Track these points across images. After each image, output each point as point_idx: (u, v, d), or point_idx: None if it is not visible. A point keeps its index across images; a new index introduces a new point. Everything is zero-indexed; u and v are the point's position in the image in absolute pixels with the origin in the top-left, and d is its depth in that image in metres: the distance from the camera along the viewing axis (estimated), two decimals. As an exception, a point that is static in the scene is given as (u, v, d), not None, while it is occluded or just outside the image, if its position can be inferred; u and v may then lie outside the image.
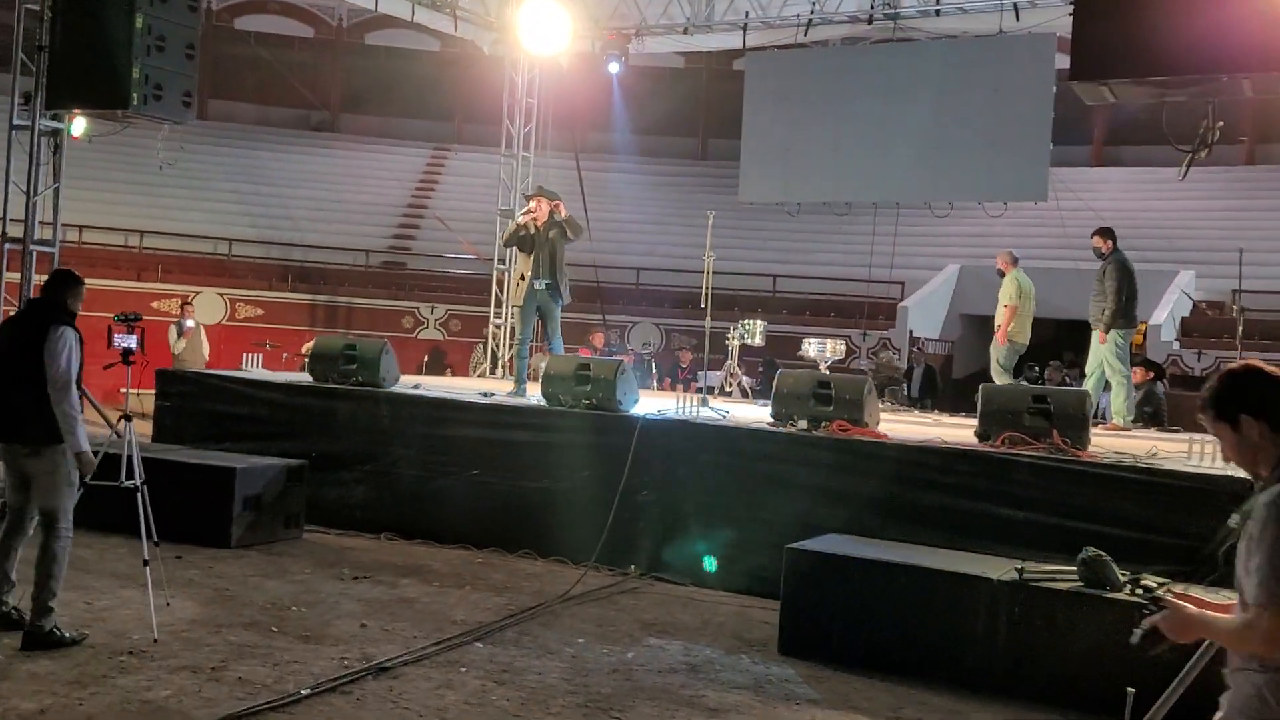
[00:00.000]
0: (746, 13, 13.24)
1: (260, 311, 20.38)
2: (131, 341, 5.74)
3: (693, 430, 7.78)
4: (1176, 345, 19.03)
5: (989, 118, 11.89)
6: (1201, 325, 19.59)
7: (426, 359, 17.82)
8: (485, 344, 14.47)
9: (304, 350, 14.55)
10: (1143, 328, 23.92)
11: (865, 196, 12.90)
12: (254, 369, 10.56)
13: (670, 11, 13.60)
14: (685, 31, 13.58)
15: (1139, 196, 26.10)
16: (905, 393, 16.00)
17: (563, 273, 9.66)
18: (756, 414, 8.61)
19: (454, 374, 16.36)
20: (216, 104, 29.33)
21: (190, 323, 15.12)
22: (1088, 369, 10.35)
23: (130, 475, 5.82)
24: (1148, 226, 23.71)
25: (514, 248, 10.29)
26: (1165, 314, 19.03)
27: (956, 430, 8.23)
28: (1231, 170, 26.85)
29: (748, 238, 24.17)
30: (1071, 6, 11.84)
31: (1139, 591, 5.47)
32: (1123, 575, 5.59)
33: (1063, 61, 12.35)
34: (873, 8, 12.59)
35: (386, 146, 28.58)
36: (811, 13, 12.87)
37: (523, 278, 9.67)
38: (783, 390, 7.73)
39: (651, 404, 8.64)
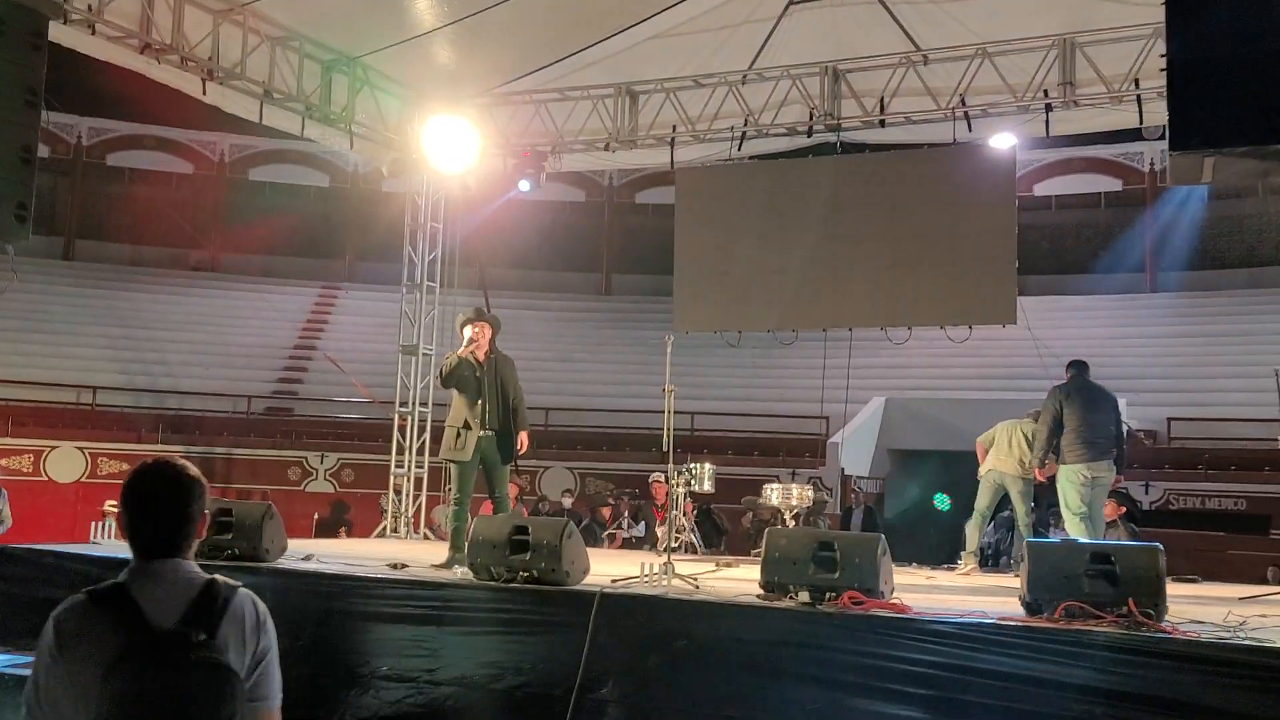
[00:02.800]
0: (674, 126, 12.10)
1: (125, 466, 18.20)
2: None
3: (663, 608, 6.18)
4: (1121, 480, 18.04)
5: (948, 234, 10.83)
6: (1141, 455, 18.72)
7: (317, 517, 15.87)
8: (388, 498, 12.66)
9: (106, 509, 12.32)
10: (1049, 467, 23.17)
11: (816, 323, 11.66)
12: (105, 540, 8.66)
13: (590, 126, 12.40)
14: (607, 147, 12.37)
15: (1052, 324, 25.71)
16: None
17: (520, 416, 8.12)
18: (736, 582, 7.07)
19: (349, 534, 14.46)
20: (85, 244, 27.48)
21: None
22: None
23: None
24: (1066, 356, 23.15)
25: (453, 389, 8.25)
26: (1106, 444, 18.08)
27: (977, 598, 6.81)
28: (1135, 298, 26.86)
29: (659, 373, 22.91)
30: (1027, 114, 11.11)
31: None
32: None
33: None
34: (812, 118, 11.56)
35: (272, 286, 26.91)
36: (745, 124, 11.80)
37: (467, 426, 8.05)
38: (774, 554, 6.20)
39: (605, 569, 7.05)
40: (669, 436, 7.40)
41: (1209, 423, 19.54)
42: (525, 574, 6.55)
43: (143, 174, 28.09)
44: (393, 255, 14.65)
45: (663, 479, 11.60)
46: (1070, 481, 8.94)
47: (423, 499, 12.87)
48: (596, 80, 12.36)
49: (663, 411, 17.83)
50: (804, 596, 5.99)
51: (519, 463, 18.49)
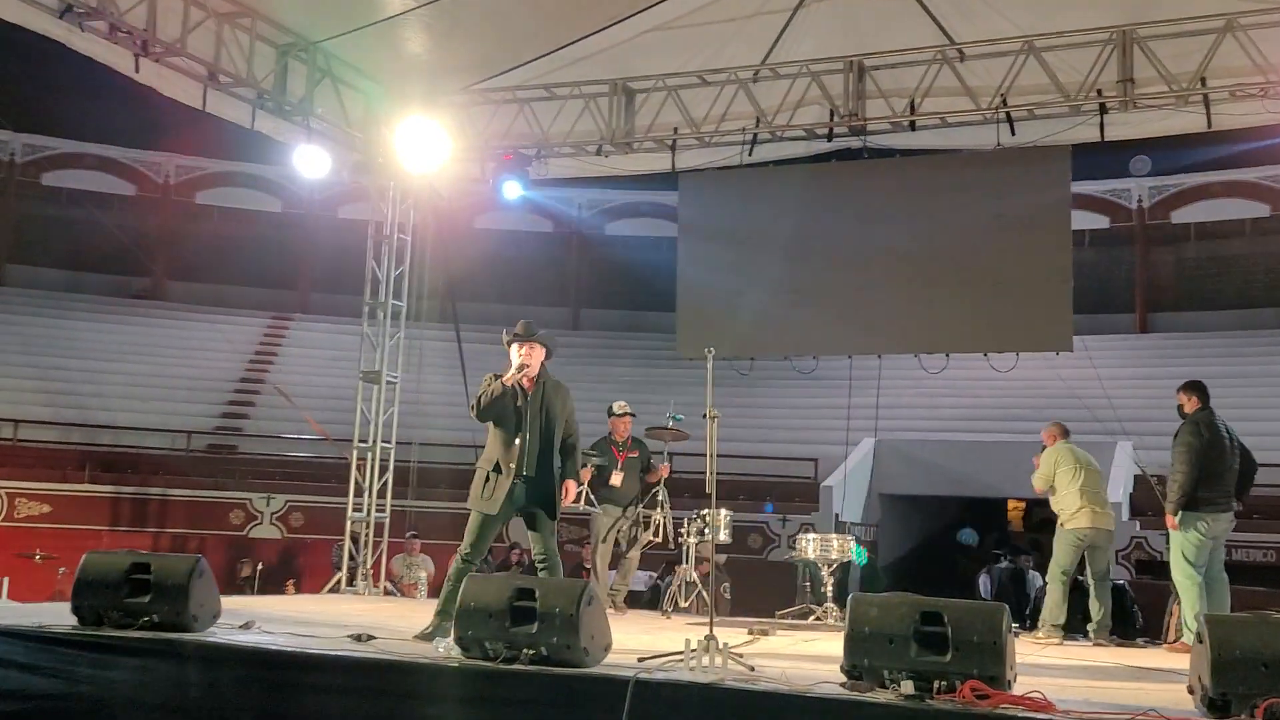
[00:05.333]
0: (675, 128, 10.75)
1: (47, 509, 16.43)
2: None
3: (719, 702, 4.69)
4: (1138, 527, 16.83)
5: (993, 250, 9.55)
6: (1155, 502, 17.36)
7: (261, 567, 14.11)
8: (344, 546, 11.07)
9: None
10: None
11: (842, 349, 10.32)
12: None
13: (580, 128, 11.03)
14: (599, 151, 10.99)
15: (1038, 364, 24.63)
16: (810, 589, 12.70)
17: (572, 461, 6.71)
18: (796, 661, 5.61)
19: (298, 588, 12.77)
20: (17, 269, 25.62)
21: None
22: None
23: None
24: (1060, 398, 21.99)
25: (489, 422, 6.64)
26: (1121, 491, 16.89)
27: (1113, 684, 5.40)
28: (1125, 339, 25.85)
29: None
30: (1078, 117, 9.86)
31: None
32: None
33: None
34: (833, 119, 10.25)
35: (218, 315, 25.23)
36: (757, 126, 10.47)
37: (497, 469, 6.56)
38: (862, 628, 4.76)
39: (625, 643, 5.57)
40: (712, 472, 5.96)
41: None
42: (531, 652, 5.05)
43: (81, 195, 26.28)
44: (348, 285, 13.22)
45: (627, 408, 9.64)
46: (1195, 531, 7.55)
47: (384, 547, 11.30)
48: (588, 76, 11.01)
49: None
50: (907, 687, 4.55)
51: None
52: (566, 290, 28.22)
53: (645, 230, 28.07)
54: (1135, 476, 18.44)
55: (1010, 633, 4.68)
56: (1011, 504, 24.06)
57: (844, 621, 8.00)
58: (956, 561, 22.74)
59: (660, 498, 9.10)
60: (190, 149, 26.43)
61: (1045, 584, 9.18)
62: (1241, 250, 26.64)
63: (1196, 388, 7.90)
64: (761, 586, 13.68)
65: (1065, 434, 8.84)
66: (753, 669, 5.13)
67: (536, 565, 6.64)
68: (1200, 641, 4.46)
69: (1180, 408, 7.96)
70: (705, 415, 5.91)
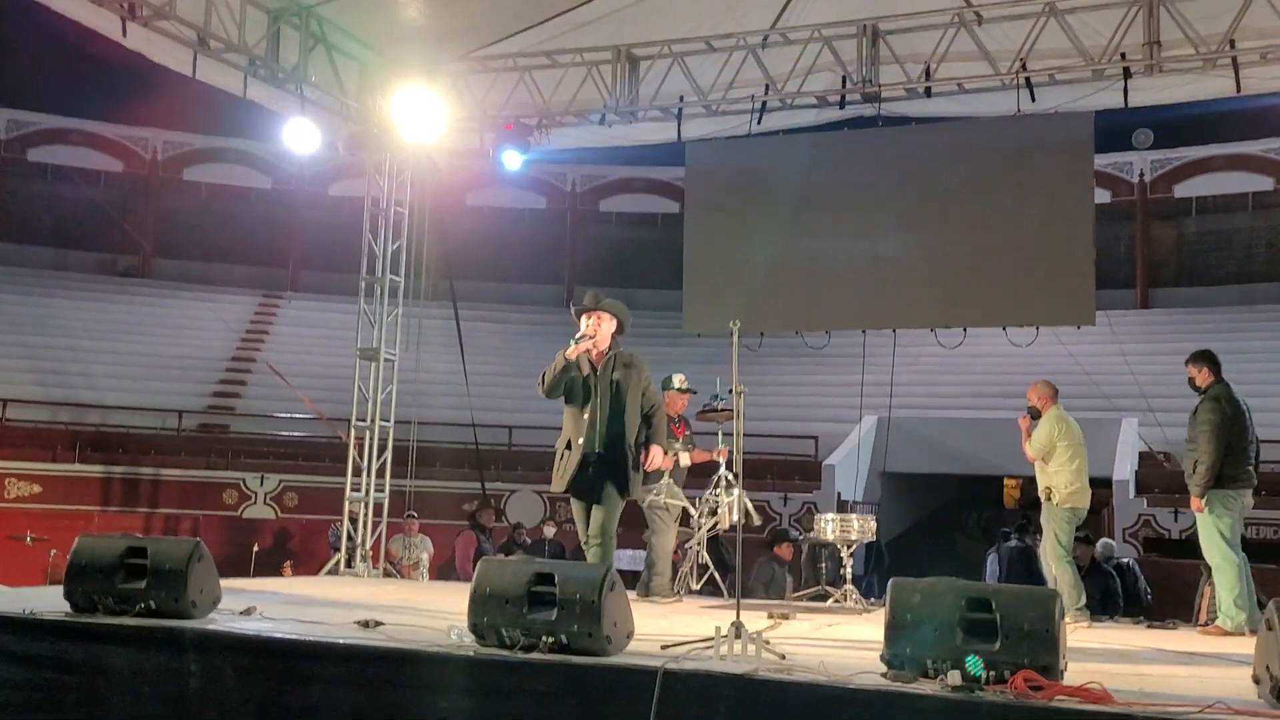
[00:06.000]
0: (681, 96, 10.43)
1: (38, 489, 16.12)
2: None
3: (753, 694, 4.41)
4: (1145, 504, 16.61)
5: (1012, 220, 9.25)
6: (1164, 479, 17.21)
7: (257, 549, 13.77)
8: (342, 526, 10.78)
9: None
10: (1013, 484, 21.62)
11: (855, 323, 10.02)
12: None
13: (583, 97, 10.70)
14: (602, 120, 10.67)
15: (1039, 339, 24.37)
16: (826, 571, 12.19)
17: (655, 429, 6.42)
18: (828, 648, 5.34)
19: (294, 571, 12.46)
20: (3, 247, 25.19)
21: None
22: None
23: None
24: (1060, 372, 21.75)
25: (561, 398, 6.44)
26: (1128, 468, 16.68)
27: (1163, 670, 5.14)
28: (1126, 314, 25.61)
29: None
30: (1101, 82, 9.56)
31: None
32: None
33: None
34: (845, 86, 9.93)
35: (208, 294, 24.87)
36: (766, 93, 10.15)
37: (569, 445, 6.31)
38: (904, 615, 4.48)
39: (645, 628, 5.29)
40: (739, 447, 5.67)
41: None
42: (550, 640, 4.77)
43: (67, 171, 25.86)
44: (340, 262, 12.86)
45: (687, 384, 8.78)
46: (1227, 509, 7.23)
47: (383, 528, 11.02)
48: (591, 43, 10.69)
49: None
50: (954, 677, 4.27)
51: (485, 487, 16.78)
52: (560, 267, 27.86)
53: (640, 207, 27.76)
54: (1141, 454, 18.30)
55: (1063, 619, 4.41)
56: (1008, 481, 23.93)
57: (863, 604, 7.86)
58: (955, 540, 22.60)
59: (724, 480, 8.39)
60: (178, 124, 26.00)
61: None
62: (1243, 224, 26.43)
63: (1207, 358, 7.53)
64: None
65: (1056, 395, 8.37)
66: (784, 657, 4.86)
67: (591, 543, 6.32)
68: (1270, 629, 4.20)
69: (1191, 380, 7.59)
70: (731, 390, 5.59)
